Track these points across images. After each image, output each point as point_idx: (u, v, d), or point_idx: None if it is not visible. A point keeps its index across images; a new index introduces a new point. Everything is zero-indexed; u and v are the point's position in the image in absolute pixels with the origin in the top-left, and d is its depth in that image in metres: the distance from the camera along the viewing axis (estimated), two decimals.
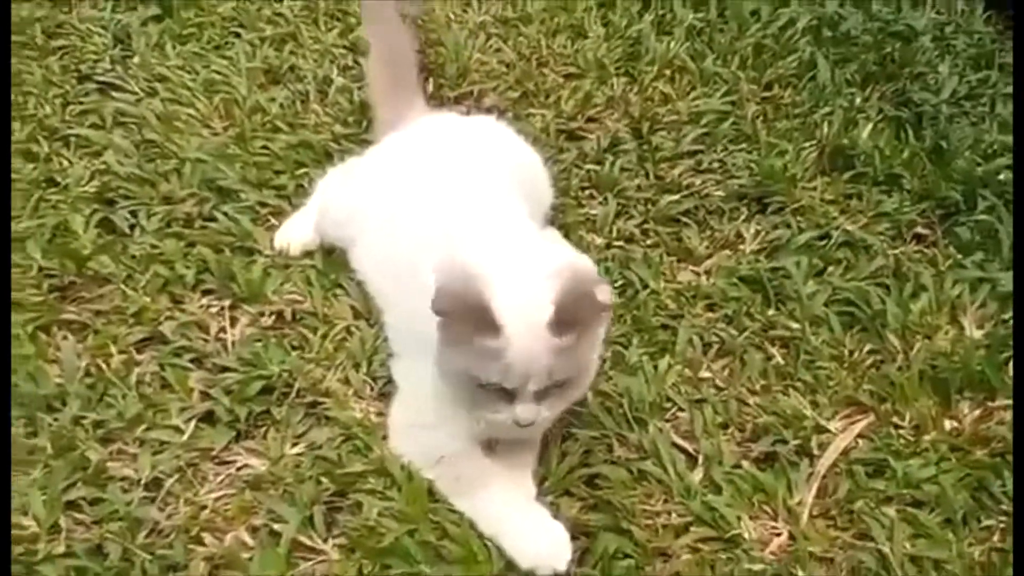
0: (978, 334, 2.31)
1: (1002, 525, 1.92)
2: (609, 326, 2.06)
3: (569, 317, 1.71)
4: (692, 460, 2.03)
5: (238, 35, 3.14)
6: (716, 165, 2.79)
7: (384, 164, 2.34)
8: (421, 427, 1.93)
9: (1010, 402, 2.14)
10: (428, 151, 2.30)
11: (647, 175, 2.74)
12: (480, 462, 1.91)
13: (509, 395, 1.75)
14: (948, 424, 2.11)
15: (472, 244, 1.89)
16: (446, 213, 2.04)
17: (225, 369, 2.11)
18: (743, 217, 2.63)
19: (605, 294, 1.72)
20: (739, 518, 1.91)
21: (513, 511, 1.85)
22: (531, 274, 1.78)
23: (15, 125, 2.70)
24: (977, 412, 2.13)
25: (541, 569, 1.78)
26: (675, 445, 2.04)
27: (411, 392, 1.99)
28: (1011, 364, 2.22)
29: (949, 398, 2.16)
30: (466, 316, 1.70)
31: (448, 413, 1.88)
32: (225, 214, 2.48)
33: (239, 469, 1.96)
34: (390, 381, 2.10)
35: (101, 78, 2.94)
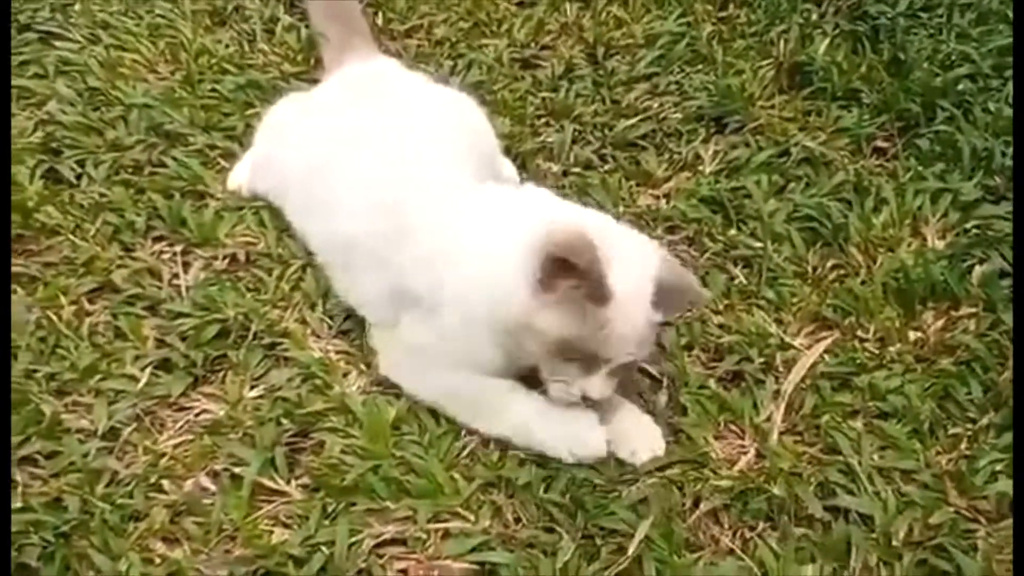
0: (940, 244, 2.31)
1: (968, 433, 1.92)
2: None
3: (664, 296, 1.73)
4: (657, 383, 2.01)
5: None
6: (673, 87, 2.76)
7: (309, 129, 2.25)
8: (434, 371, 1.90)
9: (974, 310, 2.14)
10: (359, 118, 2.20)
11: (603, 100, 2.71)
12: (491, 383, 1.88)
13: (588, 367, 1.75)
14: (913, 335, 2.11)
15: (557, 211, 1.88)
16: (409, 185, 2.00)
17: (180, 315, 2.07)
18: (701, 138, 2.61)
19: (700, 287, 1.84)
20: (706, 438, 1.90)
21: (540, 414, 1.83)
22: (637, 247, 1.78)
23: None
24: (941, 322, 2.13)
25: (583, 457, 1.81)
26: (639, 368, 2.02)
27: (403, 347, 1.94)
28: (973, 273, 2.22)
29: (913, 309, 2.15)
30: (577, 279, 1.68)
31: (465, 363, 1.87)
32: (174, 159, 2.43)
33: (198, 415, 1.92)
34: (347, 319, 2.08)
35: (42, 27, 2.85)
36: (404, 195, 1.95)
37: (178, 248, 2.24)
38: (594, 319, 1.69)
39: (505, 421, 1.85)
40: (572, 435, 1.82)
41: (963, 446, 1.90)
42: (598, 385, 1.76)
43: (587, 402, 1.79)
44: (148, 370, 1.97)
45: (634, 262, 1.74)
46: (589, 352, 1.72)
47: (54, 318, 2.04)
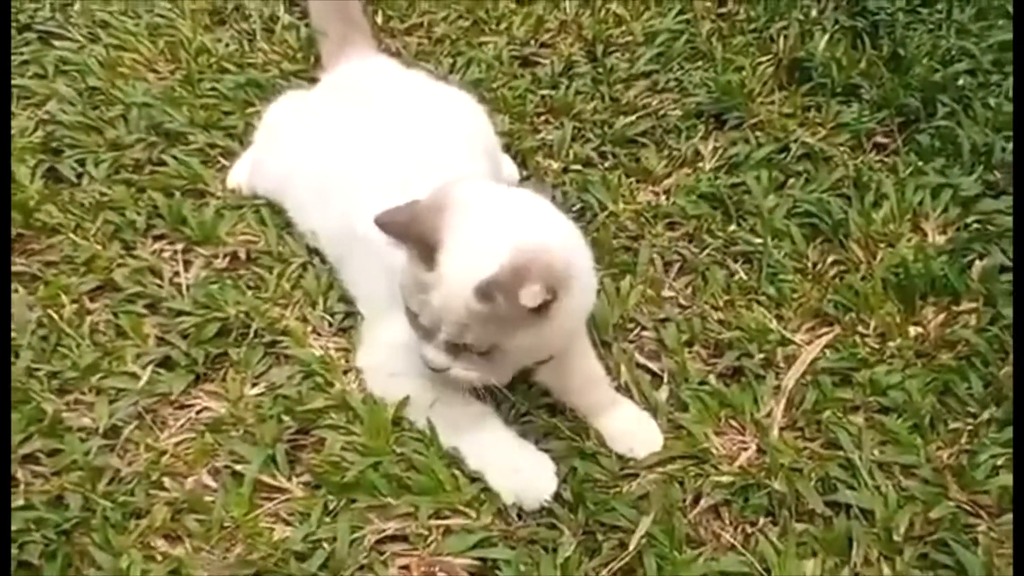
0: (940, 239, 2.31)
1: (969, 427, 1.92)
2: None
3: (502, 296, 1.60)
4: (658, 379, 2.02)
5: None
6: (672, 84, 2.76)
7: (308, 127, 2.27)
8: (402, 375, 1.89)
9: (974, 305, 2.14)
10: (359, 116, 2.20)
11: (603, 98, 2.71)
12: (464, 402, 1.86)
13: (424, 331, 1.73)
14: (913, 330, 2.11)
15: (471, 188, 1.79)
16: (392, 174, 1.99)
17: (180, 313, 2.07)
18: (701, 135, 2.61)
19: (529, 297, 1.59)
20: (706, 434, 1.90)
21: (499, 447, 1.82)
22: (492, 236, 1.66)
23: None
24: (941, 317, 2.13)
25: (527, 503, 1.77)
26: (640, 365, 2.03)
27: (381, 344, 1.95)
28: (973, 267, 2.23)
29: (913, 304, 2.15)
30: (417, 241, 1.67)
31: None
32: (174, 157, 2.44)
33: (199, 412, 1.93)
34: (347, 316, 2.08)
35: (41, 27, 2.86)
36: (403, 190, 1.94)
37: (179, 246, 2.24)
38: (420, 280, 1.66)
39: (463, 443, 1.83)
40: (522, 480, 1.79)
41: (963, 441, 1.90)
42: (431, 353, 1.72)
43: (437, 372, 1.76)
44: (149, 368, 1.97)
45: (479, 248, 1.65)
46: (414, 311, 1.71)
47: (55, 317, 2.05)
